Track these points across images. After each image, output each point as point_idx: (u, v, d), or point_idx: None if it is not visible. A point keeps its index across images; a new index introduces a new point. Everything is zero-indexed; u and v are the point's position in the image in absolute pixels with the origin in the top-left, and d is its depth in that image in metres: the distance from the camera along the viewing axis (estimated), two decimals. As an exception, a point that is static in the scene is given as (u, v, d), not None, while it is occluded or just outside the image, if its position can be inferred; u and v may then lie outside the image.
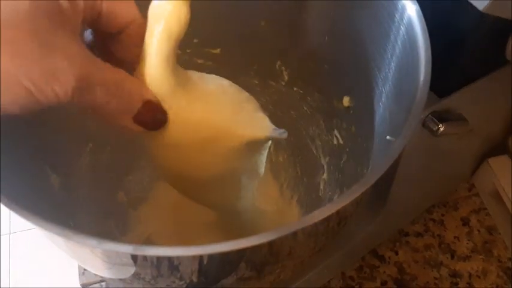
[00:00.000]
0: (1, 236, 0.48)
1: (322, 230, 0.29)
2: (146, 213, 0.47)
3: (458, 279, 0.49)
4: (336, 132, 0.46)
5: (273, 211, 0.48)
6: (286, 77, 0.48)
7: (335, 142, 0.46)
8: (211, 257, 0.25)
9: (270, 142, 0.36)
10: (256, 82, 0.49)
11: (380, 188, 0.42)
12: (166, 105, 0.29)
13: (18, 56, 0.21)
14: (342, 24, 0.32)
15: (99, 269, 0.31)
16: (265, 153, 0.38)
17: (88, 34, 0.29)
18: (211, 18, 0.42)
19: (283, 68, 0.47)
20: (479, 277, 0.49)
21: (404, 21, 0.32)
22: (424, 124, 0.36)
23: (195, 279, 0.28)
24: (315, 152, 0.48)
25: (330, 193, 0.46)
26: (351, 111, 0.43)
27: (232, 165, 0.35)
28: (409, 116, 0.29)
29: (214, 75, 0.33)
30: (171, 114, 0.29)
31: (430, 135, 0.37)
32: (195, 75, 0.32)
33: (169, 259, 0.26)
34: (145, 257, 0.26)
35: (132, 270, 0.28)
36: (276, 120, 0.50)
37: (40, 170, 0.36)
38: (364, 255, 0.50)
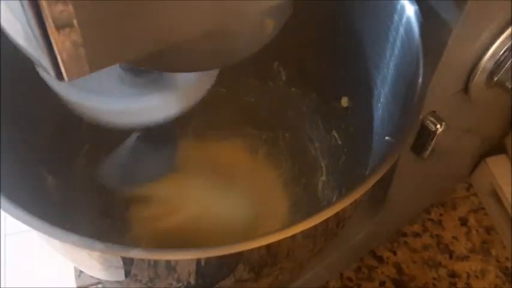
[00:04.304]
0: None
1: (321, 232, 0.29)
2: (143, 214, 0.47)
3: (456, 279, 0.49)
4: (334, 132, 0.46)
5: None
6: (284, 78, 0.48)
7: (333, 143, 0.46)
8: (209, 259, 0.25)
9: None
10: (255, 82, 0.49)
11: (378, 189, 0.42)
12: None
13: None
14: (341, 25, 0.32)
15: (96, 271, 0.31)
16: None
17: None
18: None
19: (281, 69, 0.47)
20: (477, 277, 0.49)
21: (403, 21, 0.32)
22: (423, 124, 0.36)
23: (192, 281, 0.28)
24: (313, 152, 0.48)
25: (328, 194, 0.46)
26: (350, 112, 0.43)
27: None
28: (408, 116, 0.29)
29: None
30: None
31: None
32: None
33: (167, 261, 0.26)
34: (142, 259, 0.26)
35: (128, 272, 0.28)
36: (274, 121, 0.50)
37: (36, 172, 0.36)
38: (363, 256, 0.50)
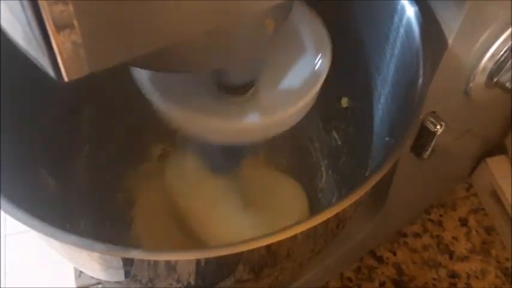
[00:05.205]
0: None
1: (321, 232, 0.29)
2: (143, 214, 0.47)
3: (456, 280, 0.49)
4: (334, 133, 0.45)
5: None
6: (284, 78, 0.47)
7: (333, 143, 0.46)
8: (209, 259, 0.25)
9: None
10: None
11: (378, 189, 0.42)
12: None
13: None
14: (341, 25, 0.32)
15: (96, 271, 0.31)
16: None
17: None
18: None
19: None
20: (477, 277, 0.49)
21: (403, 22, 0.32)
22: (423, 125, 0.36)
23: (192, 281, 0.28)
24: (313, 153, 0.48)
25: (328, 194, 0.46)
26: (350, 112, 0.43)
27: None
28: (408, 117, 0.29)
29: None
30: None
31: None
32: None
33: (167, 261, 0.26)
34: (142, 260, 0.26)
35: (128, 272, 0.28)
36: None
37: (36, 173, 0.36)
38: (363, 256, 0.50)
